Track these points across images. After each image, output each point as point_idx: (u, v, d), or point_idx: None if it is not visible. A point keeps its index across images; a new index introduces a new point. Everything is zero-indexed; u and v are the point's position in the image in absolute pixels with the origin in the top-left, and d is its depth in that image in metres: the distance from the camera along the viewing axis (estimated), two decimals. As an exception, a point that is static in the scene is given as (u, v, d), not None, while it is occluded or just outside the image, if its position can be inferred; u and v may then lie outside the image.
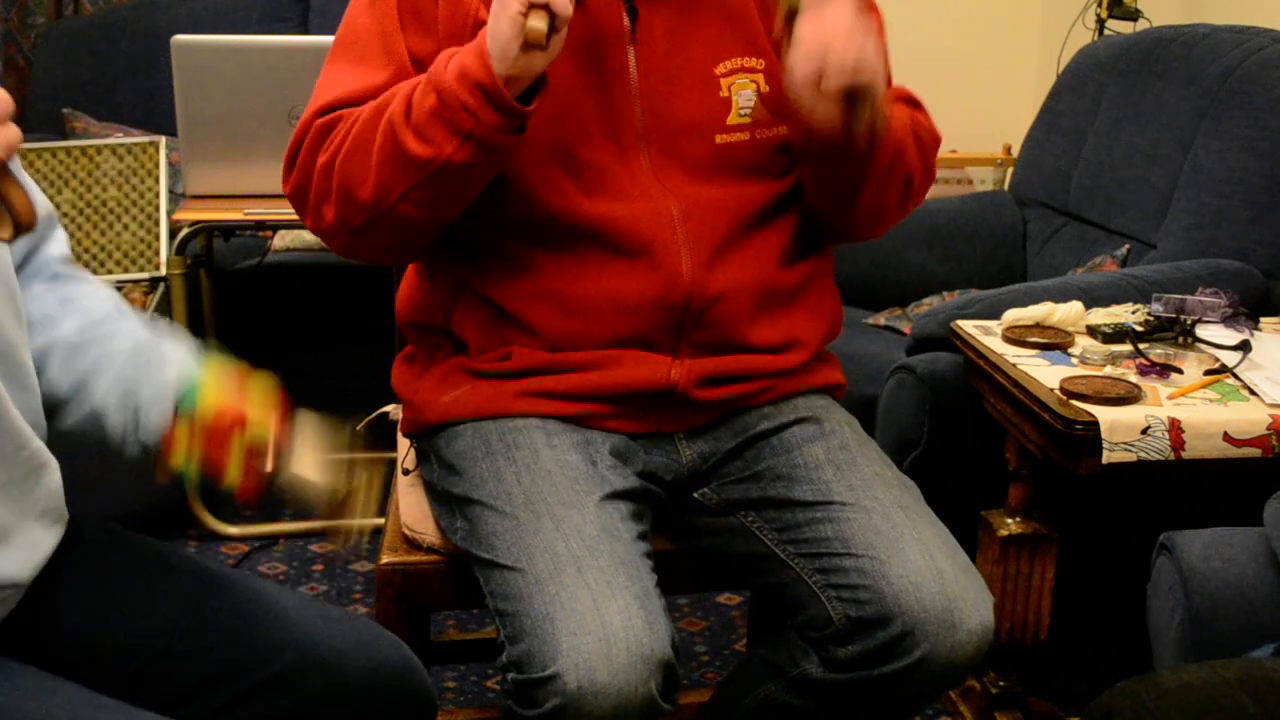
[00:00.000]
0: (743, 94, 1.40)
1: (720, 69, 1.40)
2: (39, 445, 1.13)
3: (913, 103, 1.50)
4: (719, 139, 1.39)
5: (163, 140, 2.74)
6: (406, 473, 1.58)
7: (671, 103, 1.38)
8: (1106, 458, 1.54)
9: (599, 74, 1.36)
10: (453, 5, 1.34)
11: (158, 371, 1.18)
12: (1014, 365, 1.71)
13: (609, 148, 1.37)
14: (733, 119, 1.40)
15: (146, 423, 1.16)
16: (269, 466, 1.16)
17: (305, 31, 3.42)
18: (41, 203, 1.24)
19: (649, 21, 1.38)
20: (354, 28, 1.37)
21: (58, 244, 1.27)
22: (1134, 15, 3.14)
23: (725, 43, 1.40)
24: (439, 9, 1.34)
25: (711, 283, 1.37)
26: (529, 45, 1.20)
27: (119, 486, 2.51)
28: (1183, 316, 1.79)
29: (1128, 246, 2.43)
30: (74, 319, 1.21)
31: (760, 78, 1.41)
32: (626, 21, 1.37)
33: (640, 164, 1.38)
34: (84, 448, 1.19)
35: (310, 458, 1.18)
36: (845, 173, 1.38)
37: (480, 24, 1.33)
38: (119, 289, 2.59)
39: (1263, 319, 1.91)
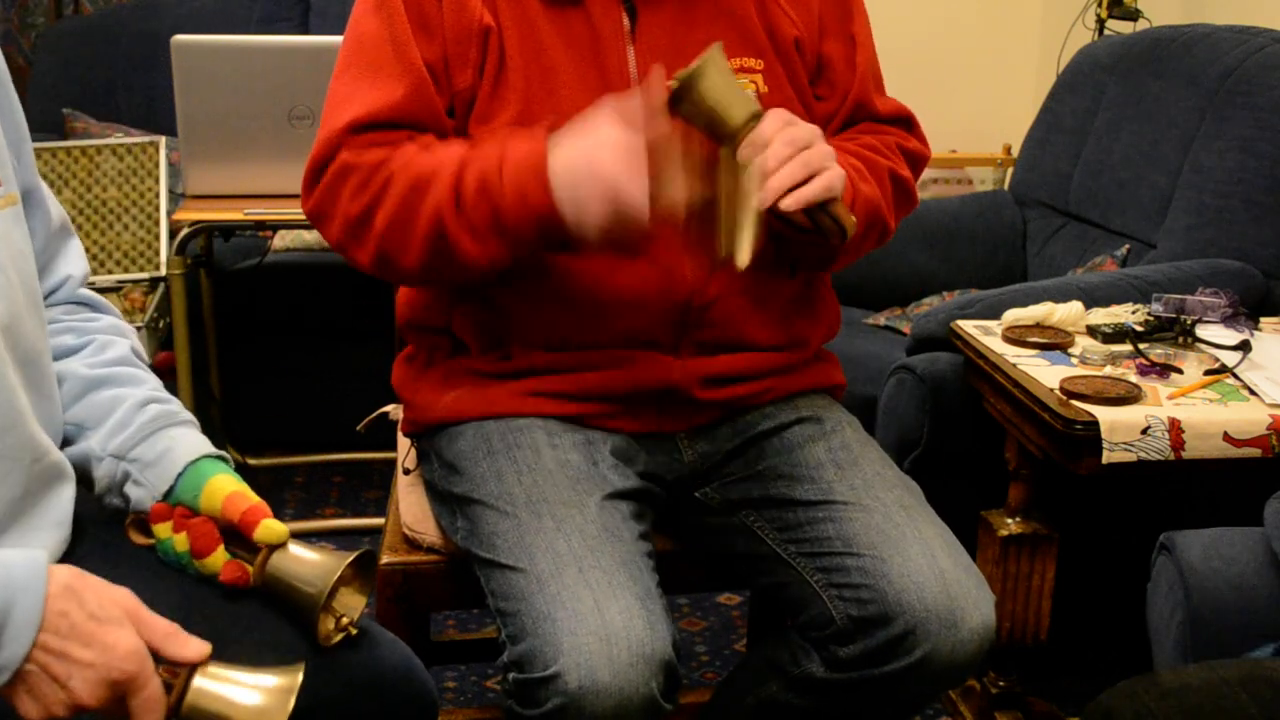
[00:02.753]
0: None
1: None
2: (59, 456, 1.13)
3: (900, 121, 1.50)
4: None
5: (163, 140, 2.74)
6: (407, 472, 1.58)
7: None
8: (1106, 458, 1.54)
9: (599, 74, 1.36)
10: (458, 11, 1.33)
11: (160, 444, 1.15)
12: (1014, 365, 1.71)
13: None
14: None
15: (134, 489, 1.15)
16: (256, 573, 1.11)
17: (305, 31, 3.42)
18: (55, 212, 1.24)
19: (648, 22, 1.37)
20: (361, 32, 1.35)
21: (75, 261, 1.26)
22: (1134, 15, 3.14)
23: (725, 42, 1.40)
24: (444, 14, 1.33)
25: (713, 282, 1.37)
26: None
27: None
28: (1183, 316, 1.79)
29: (1128, 246, 2.43)
30: (90, 355, 1.20)
31: (760, 78, 1.40)
32: (626, 22, 1.37)
33: None
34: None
35: (296, 560, 1.11)
36: (820, 253, 1.40)
37: (486, 29, 1.33)
38: (119, 289, 2.59)
39: (1263, 319, 1.91)
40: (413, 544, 1.47)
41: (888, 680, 1.29)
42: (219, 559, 1.11)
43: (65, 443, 1.17)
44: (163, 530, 1.12)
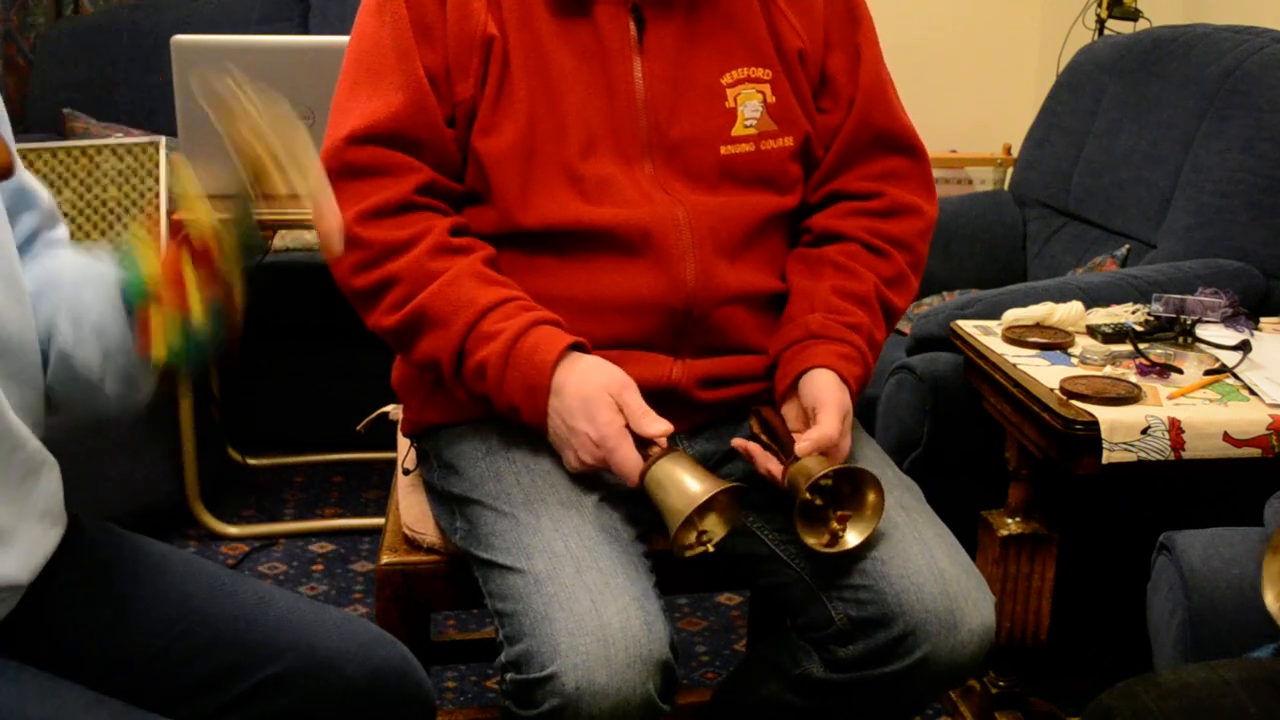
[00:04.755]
0: (749, 104, 1.39)
1: (726, 79, 1.39)
2: (37, 445, 1.12)
3: (904, 150, 1.49)
4: (724, 150, 1.38)
5: (163, 140, 2.74)
6: (407, 473, 1.58)
7: (677, 114, 1.38)
8: (1106, 458, 1.54)
9: (605, 85, 1.35)
10: (461, 19, 1.33)
11: (97, 288, 1.12)
12: (1014, 365, 1.71)
13: (615, 160, 1.36)
14: (738, 130, 1.39)
15: (109, 340, 1.11)
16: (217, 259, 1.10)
17: (305, 31, 3.42)
18: (45, 197, 1.23)
19: (656, 32, 1.37)
20: (364, 37, 1.35)
21: (59, 233, 1.24)
22: (1134, 15, 3.14)
23: (732, 53, 1.40)
24: (447, 23, 1.33)
25: (714, 289, 1.37)
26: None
27: (119, 486, 2.51)
28: (1183, 316, 1.79)
29: (1128, 246, 2.43)
30: (33, 270, 1.17)
31: (766, 88, 1.40)
32: (634, 32, 1.36)
33: (645, 174, 1.37)
34: (80, 444, 1.17)
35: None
36: None
37: (489, 38, 1.32)
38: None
39: (1263, 319, 1.90)
40: (413, 544, 1.47)
41: (887, 681, 1.29)
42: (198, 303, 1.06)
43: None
44: (158, 345, 1.05)
